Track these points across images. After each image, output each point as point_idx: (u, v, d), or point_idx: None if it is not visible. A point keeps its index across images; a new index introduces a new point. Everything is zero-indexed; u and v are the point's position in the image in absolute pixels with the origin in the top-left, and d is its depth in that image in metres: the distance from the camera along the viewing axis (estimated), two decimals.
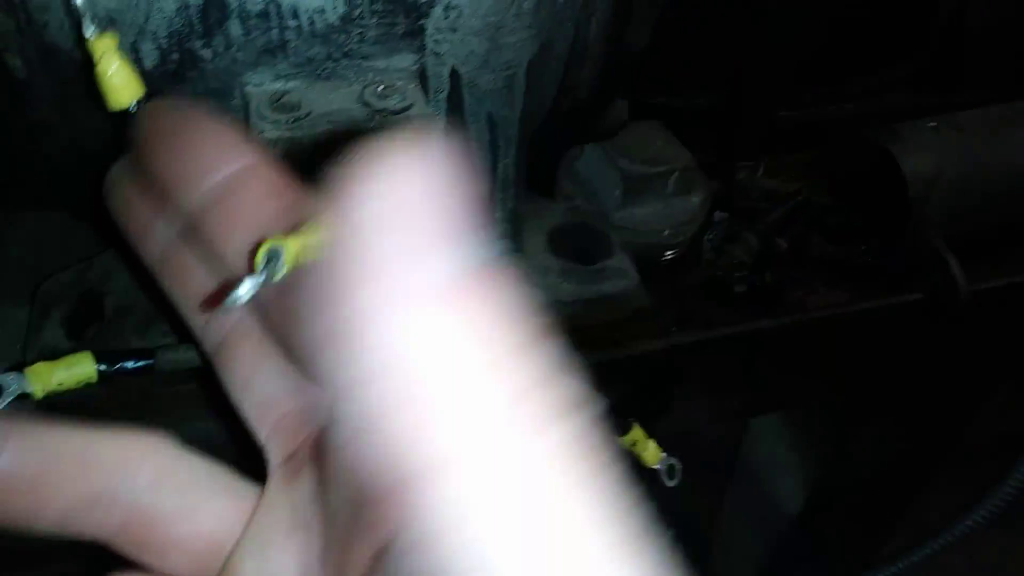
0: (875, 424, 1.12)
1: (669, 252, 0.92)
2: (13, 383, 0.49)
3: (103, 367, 0.49)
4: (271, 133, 0.52)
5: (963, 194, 0.92)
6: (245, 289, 0.32)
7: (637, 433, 0.62)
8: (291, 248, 0.33)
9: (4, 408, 0.51)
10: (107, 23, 0.50)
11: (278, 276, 0.33)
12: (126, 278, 0.70)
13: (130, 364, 0.50)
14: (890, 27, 1.26)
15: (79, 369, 0.48)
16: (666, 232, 0.89)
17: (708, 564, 1.68)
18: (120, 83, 0.45)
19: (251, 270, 0.32)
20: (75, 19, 0.45)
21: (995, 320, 1.00)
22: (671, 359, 0.85)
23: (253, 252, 0.34)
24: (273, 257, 0.32)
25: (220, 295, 0.34)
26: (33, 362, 0.64)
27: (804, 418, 1.21)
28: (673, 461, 0.63)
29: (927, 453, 1.24)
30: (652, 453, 0.62)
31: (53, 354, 0.65)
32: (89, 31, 0.44)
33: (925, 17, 1.36)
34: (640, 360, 0.83)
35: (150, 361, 0.50)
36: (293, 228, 0.34)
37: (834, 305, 0.90)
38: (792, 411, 1.24)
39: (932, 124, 0.96)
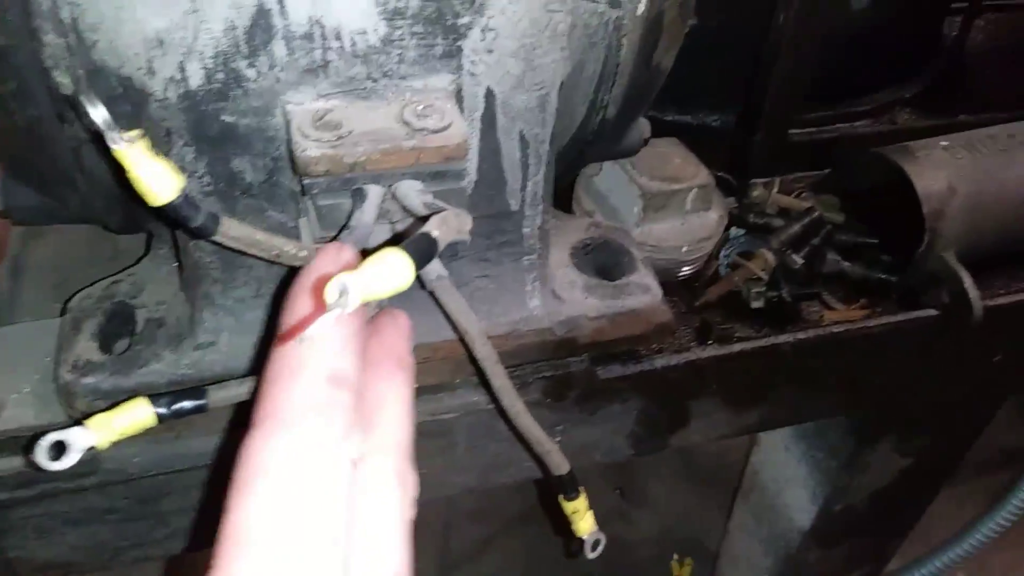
0: (887, 438, 1.13)
1: (687, 268, 0.93)
2: (79, 439, 0.49)
3: (162, 411, 0.49)
4: (314, 151, 0.53)
5: (976, 211, 0.93)
6: (321, 324, 0.33)
7: (581, 503, 0.67)
8: (360, 280, 0.34)
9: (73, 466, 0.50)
10: (155, 45, 0.51)
11: (350, 308, 0.34)
12: (158, 291, 0.71)
13: (187, 405, 0.50)
14: (896, 50, 1.28)
15: (138, 415, 0.49)
16: (684, 248, 0.90)
17: None
18: (159, 181, 0.45)
19: (322, 308, 0.33)
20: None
21: (1007, 336, 1.01)
22: (690, 374, 0.86)
23: (319, 291, 0.35)
24: (343, 291, 0.33)
25: (295, 331, 0.35)
26: (72, 390, 0.64)
27: (815, 432, 1.22)
28: (600, 536, 0.68)
29: (937, 467, 1.24)
30: (587, 524, 0.68)
31: (87, 368, 0.66)
32: (115, 143, 0.43)
33: (930, 39, 1.38)
34: (661, 375, 0.84)
35: (203, 401, 0.51)
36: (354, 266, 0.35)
37: (849, 321, 0.92)
38: (803, 425, 1.25)
39: (944, 143, 0.97)
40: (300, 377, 0.35)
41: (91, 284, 0.73)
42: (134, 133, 0.43)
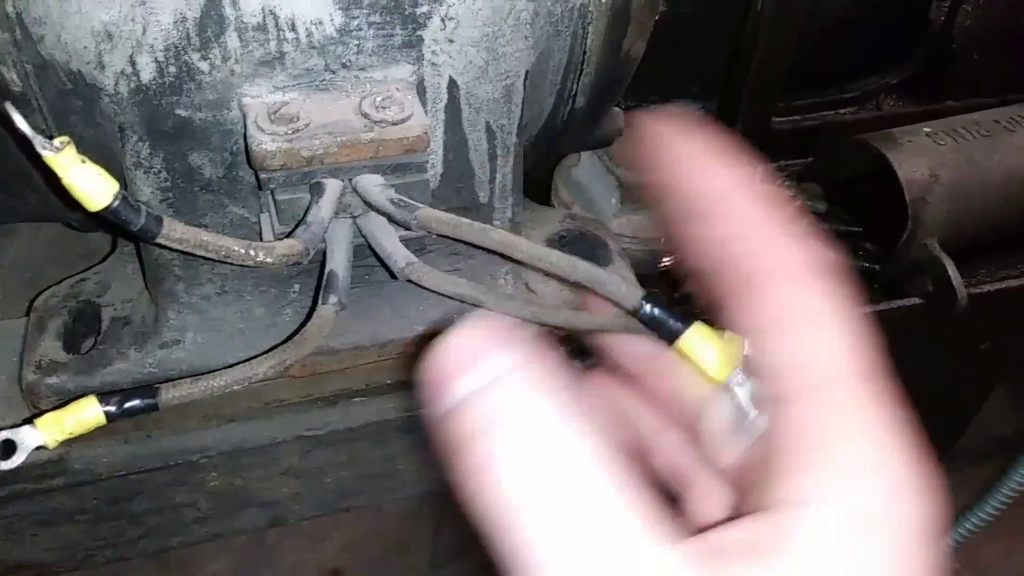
0: None
1: (666, 259, 0.92)
2: (27, 438, 0.48)
3: (111, 409, 0.48)
4: (270, 145, 0.52)
5: (959, 198, 0.92)
6: None
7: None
8: None
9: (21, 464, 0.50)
10: (103, 38, 0.50)
11: None
12: (124, 289, 0.70)
13: (137, 404, 0.49)
14: (881, 35, 1.26)
15: (87, 414, 0.48)
16: (663, 239, 0.89)
17: None
18: (92, 186, 0.44)
19: None
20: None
21: (993, 323, 1.00)
22: None
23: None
24: None
25: None
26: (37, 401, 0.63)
27: None
28: None
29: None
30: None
31: (51, 368, 0.65)
32: (44, 151, 0.43)
33: (916, 25, 1.37)
34: None
35: (154, 400, 0.50)
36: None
37: None
38: None
39: (927, 129, 0.96)
40: None
41: (57, 282, 0.72)
42: (62, 139, 0.43)
